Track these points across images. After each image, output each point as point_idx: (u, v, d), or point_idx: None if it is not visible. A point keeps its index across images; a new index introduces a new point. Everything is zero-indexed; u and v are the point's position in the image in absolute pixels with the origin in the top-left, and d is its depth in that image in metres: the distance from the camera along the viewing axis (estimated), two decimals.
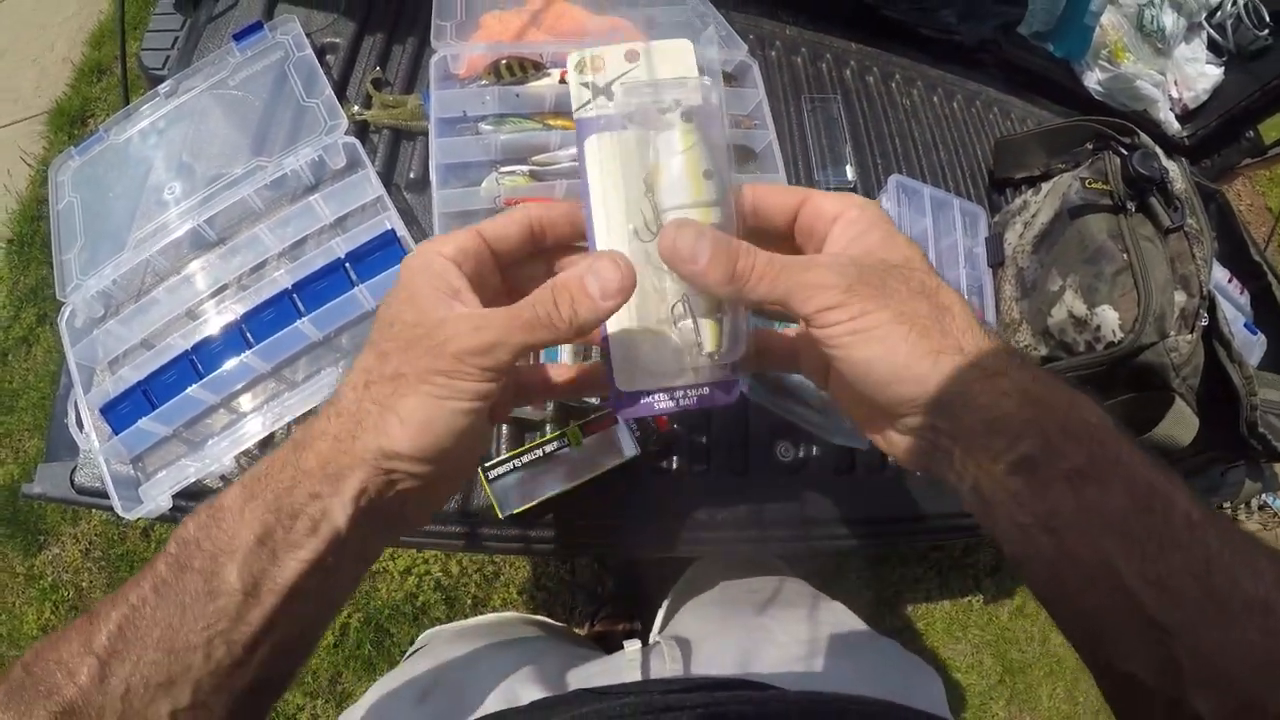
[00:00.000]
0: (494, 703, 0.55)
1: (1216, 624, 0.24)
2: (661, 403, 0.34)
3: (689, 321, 0.33)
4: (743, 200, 0.34)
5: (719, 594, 0.74)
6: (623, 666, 0.59)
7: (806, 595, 0.71)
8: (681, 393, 0.34)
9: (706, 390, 0.35)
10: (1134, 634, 0.26)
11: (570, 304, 0.29)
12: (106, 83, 1.74)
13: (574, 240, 0.35)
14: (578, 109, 0.33)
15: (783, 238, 0.35)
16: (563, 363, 0.43)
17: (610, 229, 0.33)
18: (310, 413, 0.61)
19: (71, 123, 1.69)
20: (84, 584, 1.37)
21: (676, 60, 0.33)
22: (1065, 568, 0.28)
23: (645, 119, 0.32)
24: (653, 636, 0.71)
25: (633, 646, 0.61)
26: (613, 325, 0.33)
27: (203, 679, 0.27)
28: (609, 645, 0.66)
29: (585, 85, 0.33)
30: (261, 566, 0.28)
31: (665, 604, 0.82)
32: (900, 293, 0.29)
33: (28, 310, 1.52)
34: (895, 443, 0.34)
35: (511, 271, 0.35)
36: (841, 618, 0.67)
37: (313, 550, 0.28)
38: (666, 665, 0.59)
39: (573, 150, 0.65)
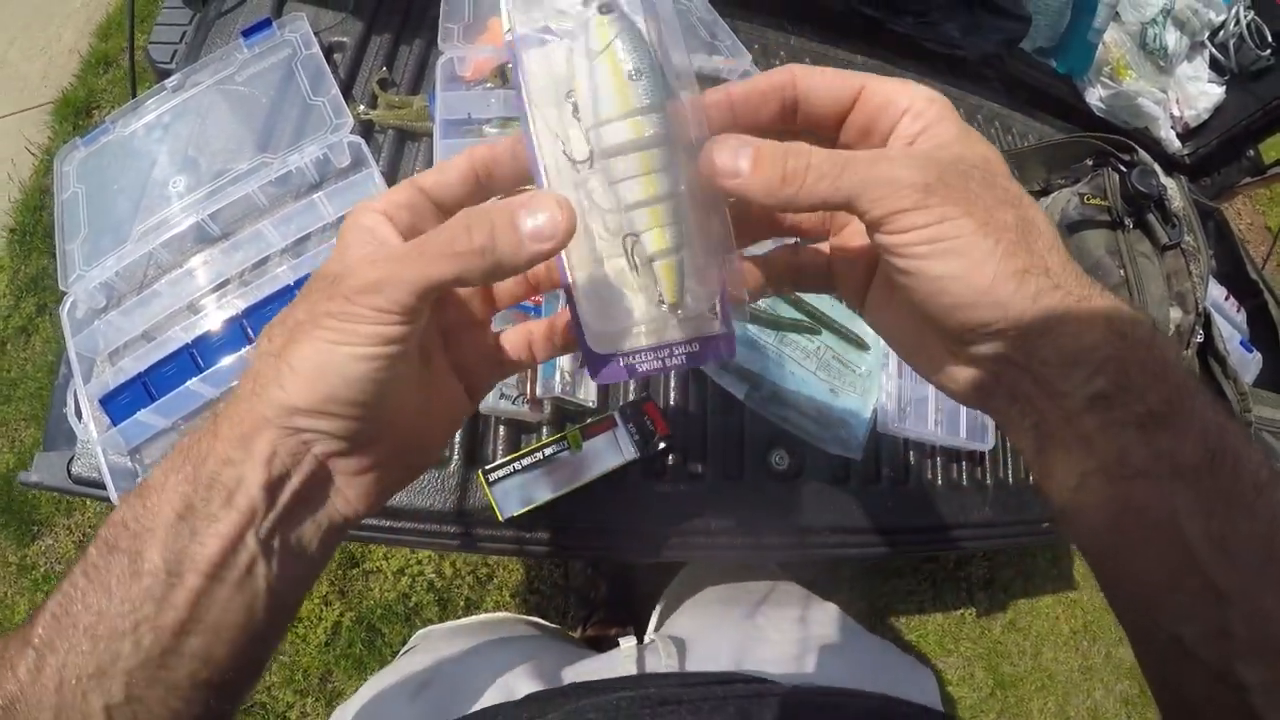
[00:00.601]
0: (489, 698, 0.55)
1: (1276, 592, 0.23)
2: (644, 364, 0.30)
3: (647, 269, 0.28)
4: (730, 97, 0.29)
5: (713, 595, 0.74)
6: (618, 663, 0.59)
7: (799, 596, 0.71)
8: (666, 352, 0.30)
9: (696, 346, 0.30)
10: (1189, 595, 0.24)
11: (488, 232, 0.25)
12: (113, 75, 1.74)
13: (521, 182, 0.30)
14: (507, 31, 0.28)
15: (825, 138, 0.30)
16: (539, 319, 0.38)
17: (553, 163, 0.28)
18: None
19: (77, 113, 1.69)
20: None
21: None
22: (1127, 520, 0.25)
23: (557, 26, 0.27)
24: (647, 636, 0.71)
25: (628, 643, 0.61)
26: (577, 276, 0.29)
27: (134, 670, 0.25)
28: (602, 649, 0.66)
29: (514, 7, 0.28)
30: (183, 544, 0.25)
31: (659, 604, 0.82)
32: (985, 198, 0.25)
33: (27, 300, 1.52)
34: (952, 375, 0.30)
35: None
36: (834, 617, 0.67)
37: (231, 524, 0.26)
38: (662, 662, 0.59)
39: None
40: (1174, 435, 0.24)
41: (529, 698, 0.48)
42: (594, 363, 0.30)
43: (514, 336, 0.35)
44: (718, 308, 0.29)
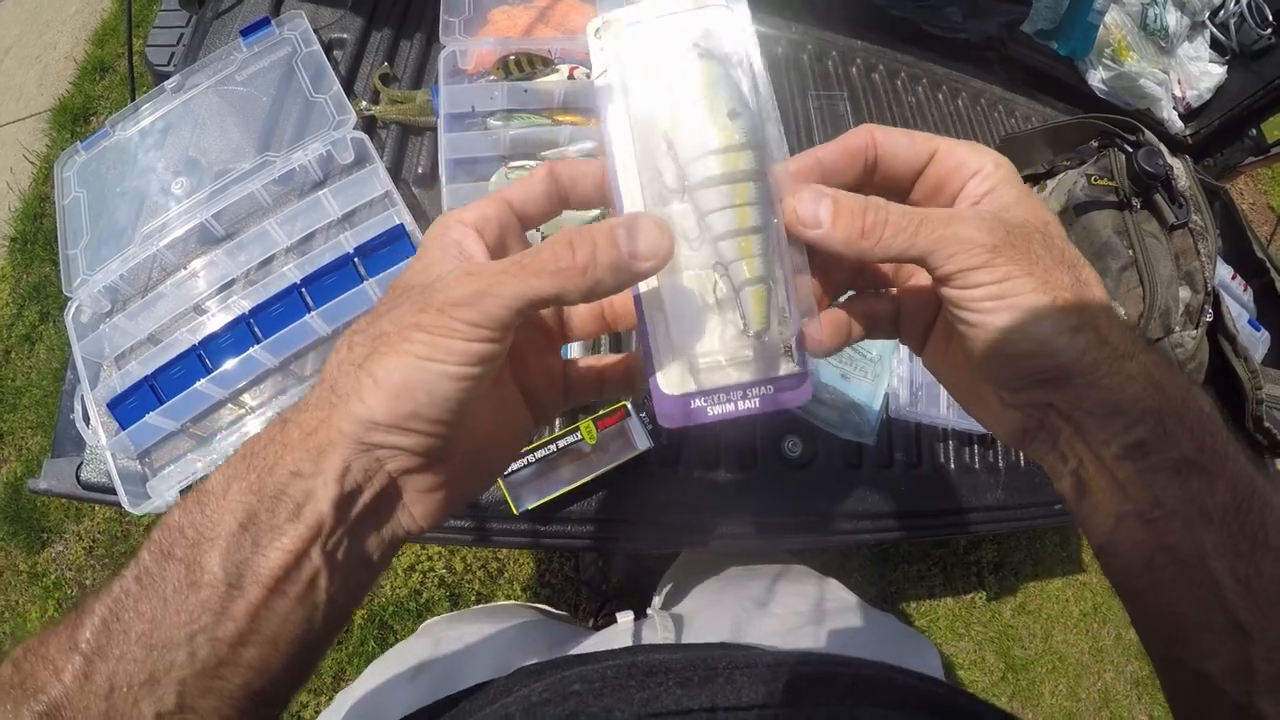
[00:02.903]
0: (485, 675, 0.54)
1: None
2: (716, 407, 0.29)
3: (734, 298, 0.28)
4: (819, 161, 0.30)
5: (723, 576, 0.74)
6: (615, 638, 0.59)
7: (805, 574, 0.71)
8: (740, 394, 0.29)
9: (770, 389, 0.29)
10: (1215, 632, 0.26)
11: (590, 250, 0.25)
12: (109, 80, 1.74)
13: (599, 204, 0.31)
14: (597, 76, 0.30)
15: (899, 193, 0.31)
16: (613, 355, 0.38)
17: (635, 199, 0.29)
18: None
19: (74, 120, 1.69)
20: (87, 582, 1.37)
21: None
22: (1159, 559, 0.27)
23: (658, 68, 0.28)
24: (649, 611, 0.71)
25: (625, 618, 0.61)
26: (649, 313, 0.29)
27: (188, 679, 0.24)
28: None
29: (605, 51, 0.30)
30: (244, 555, 0.25)
31: (662, 583, 0.82)
32: (1045, 259, 0.27)
33: (30, 308, 1.52)
34: (999, 417, 0.32)
35: None
36: (838, 593, 0.67)
37: (296, 538, 0.25)
38: (659, 634, 0.59)
39: (582, 145, 0.65)
40: (1205, 480, 0.26)
41: (519, 671, 0.47)
42: (663, 404, 0.29)
43: (583, 367, 0.35)
44: (794, 349, 0.30)
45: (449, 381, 0.25)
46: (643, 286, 0.29)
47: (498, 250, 0.28)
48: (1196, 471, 0.26)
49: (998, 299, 0.27)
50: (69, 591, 1.36)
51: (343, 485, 0.26)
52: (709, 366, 0.29)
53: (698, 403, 0.29)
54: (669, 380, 0.29)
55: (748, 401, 0.29)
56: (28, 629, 1.33)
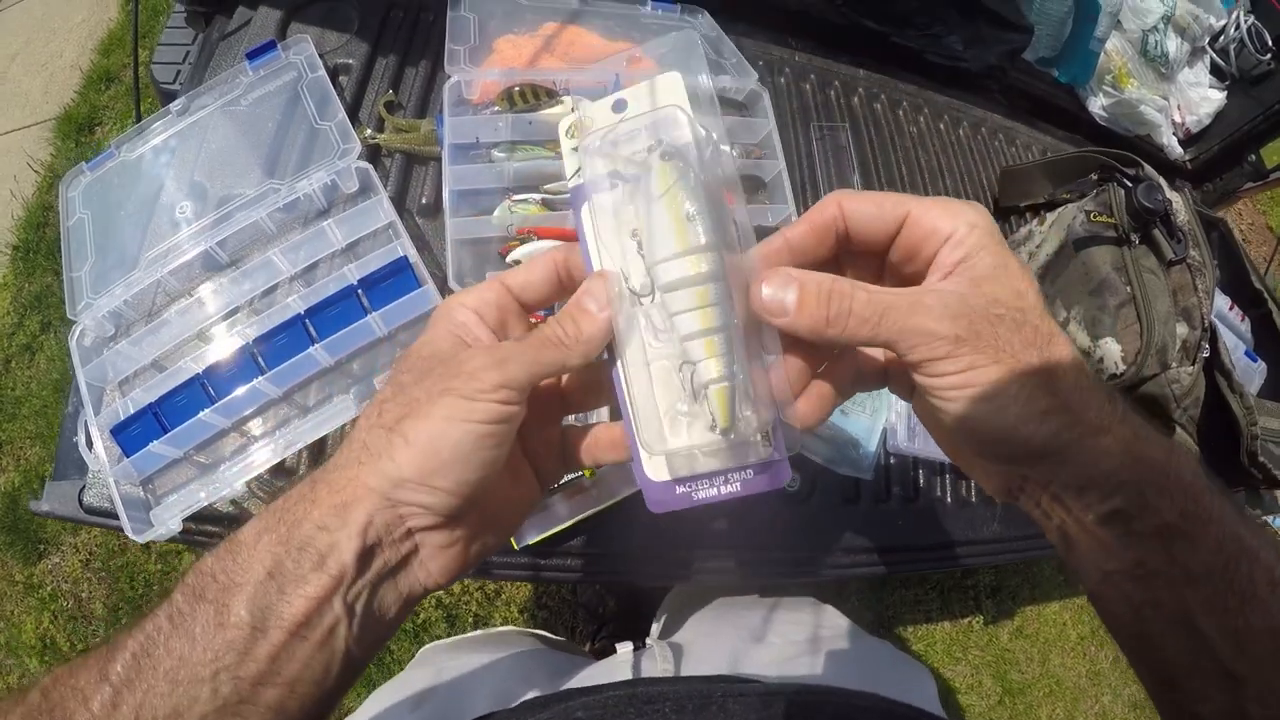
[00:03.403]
0: (487, 706, 0.55)
1: None
2: (701, 492, 0.30)
3: (702, 395, 0.29)
4: (788, 243, 0.31)
5: (720, 604, 0.74)
6: (615, 669, 0.60)
7: (801, 602, 0.71)
8: (721, 479, 0.30)
9: (749, 473, 0.30)
10: (1207, 679, 0.27)
11: (572, 321, 0.30)
12: (114, 91, 1.74)
13: None
14: (570, 178, 0.31)
15: (875, 257, 0.32)
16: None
17: (615, 295, 0.31)
18: (321, 442, 0.61)
19: (79, 130, 1.69)
20: (83, 594, 1.37)
21: (668, 97, 0.31)
22: (1147, 612, 0.28)
23: (624, 171, 0.30)
24: (647, 642, 0.71)
25: (625, 649, 0.62)
26: (634, 405, 0.30)
27: (209, 714, 0.26)
28: None
29: (577, 150, 0.31)
30: (269, 601, 0.27)
31: (660, 611, 0.82)
32: (1012, 344, 0.28)
33: (31, 318, 1.52)
34: (983, 478, 0.33)
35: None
36: (835, 621, 0.68)
37: (319, 586, 0.27)
38: (658, 666, 0.60)
39: None
40: (1189, 543, 0.27)
41: (524, 704, 0.48)
42: (651, 490, 0.30)
43: (577, 435, 0.37)
44: (771, 435, 0.30)
45: (474, 439, 0.28)
46: (625, 389, 0.30)
47: (499, 332, 0.31)
48: (1179, 536, 0.27)
49: (961, 389, 0.28)
50: (65, 604, 1.36)
51: (365, 538, 0.28)
52: (688, 455, 0.30)
53: (682, 488, 0.30)
54: (654, 467, 0.30)
55: (729, 486, 0.30)
56: (22, 640, 1.32)
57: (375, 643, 0.30)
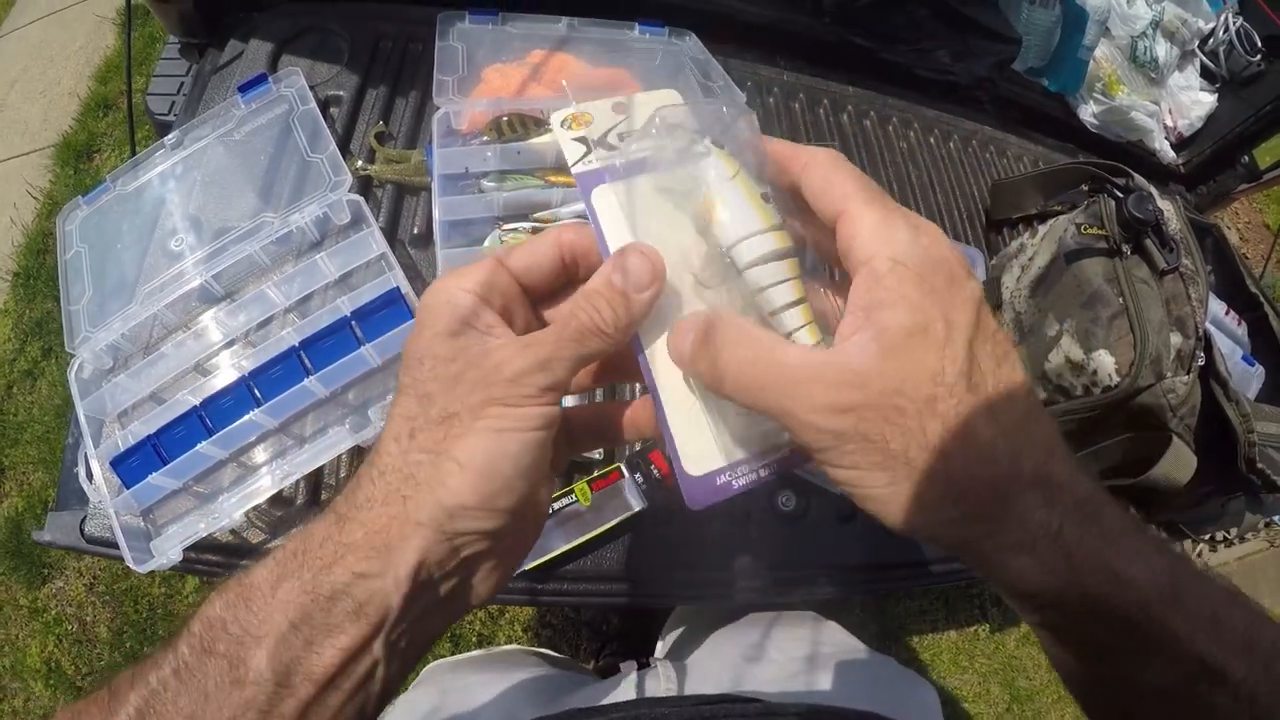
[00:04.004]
0: None
1: None
2: (740, 479, 0.29)
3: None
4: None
5: (718, 618, 0.74)
6: (619, 689, 0.60)
7: (802, 617, 0.71)
8: (760, 461, 0.29)
9: (787, 451, 0.29)
10: None
11: (604, 304, 0.27)
12: (112, 118, 1.76)
13: None
14: (574, 163, 0.31)
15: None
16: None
17: (671, 278, 0.29)
18: (319, 473, 0.62)
19: (77, 157, 1.71)
20: (88, 618, 1.37)
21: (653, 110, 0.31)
22: (1106, 707, 0.28)
23: (678, 157, 0.29)
24: (652, 660, 0.71)
25: (629, 668, 0.62)
26: (669, 398, 0.29)
27: None
28: None
29: (579, 140, 0.31)
30: (295, 654, 0.24)
31: (666, 629, 0.82)
32: (907, 449, 0.24)
33: (32, 344, 1.53)
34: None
35: (545, 304, 0.31)
36: (837, 636, 0.67)
37: (354, 636, 0.25)
38: (661, 685, 0.60)
39: (575, 207, 0.66)
40: (1134, 661, 0.25)
41: None
42: (692, 488, 0.29)
43: (621, 411, 0.34)
44: None
45: (531, 450, 0.26)
46: (658, 377, 0.29)
47: (505, 319, 0.28)
48: (1124, 654, 0.25)
49: (852, 487, 0.25)
50: (69, 628, 1.36)
51: (416, 580, 0.25)
52: (732, 442, 0.29)
53: (723, 478, 0.29)
54: (693, 462, 0.29)
55: (766, 469, 0.29)
56: (27, 664, 1.33)
57: (414, 663, 0.28)
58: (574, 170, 0.31)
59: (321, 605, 0.25)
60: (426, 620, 0.27)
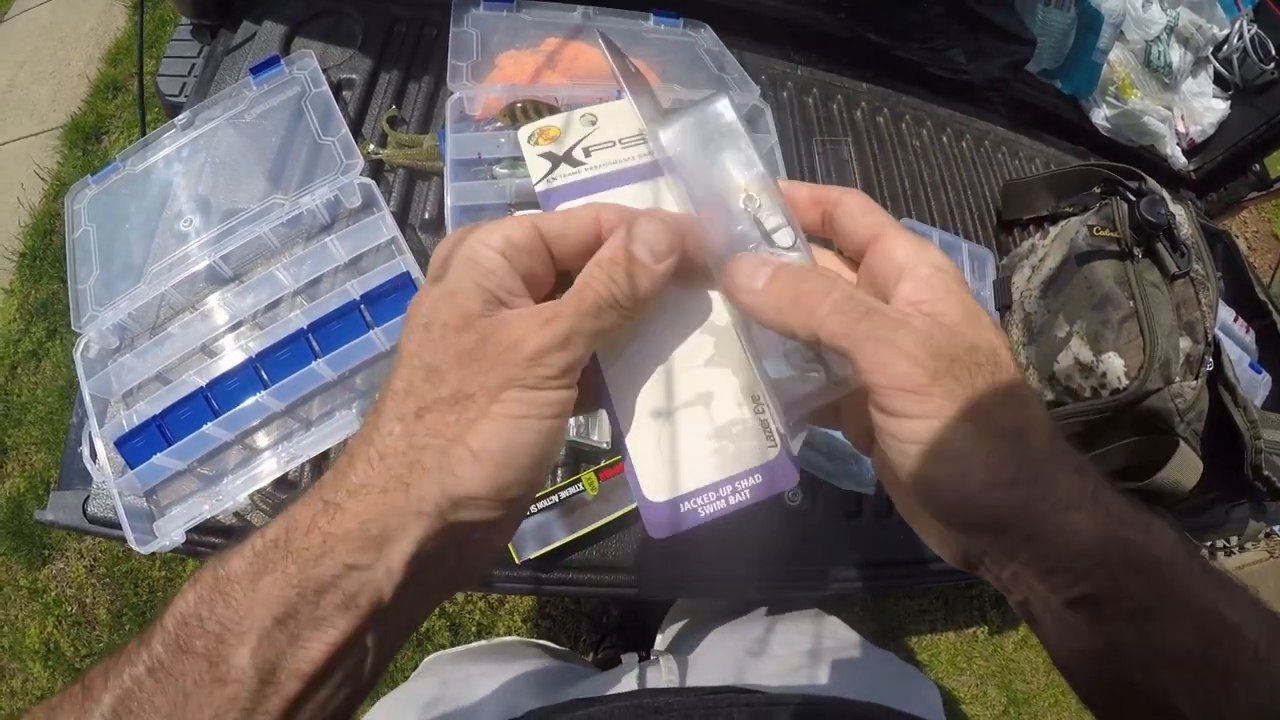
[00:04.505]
0: (494, 717, 0.55)
1: None
2: (707, 507, 0.27)
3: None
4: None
5: (719, 613, 0.74)
6: (621, 680, 0.60)
7: (806, 613, 0.71)
8: (729, 488, 0.27)
9: (759, 478, 0.28)
10: None
11: (622, 274, 0.25)
12: (121, 100, 1.76)
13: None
14: (541, 179, 0.30)
15: (851, 263, 0.29)
16: None
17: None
18: (324, 456, 0.61)
19: (86, 138, 1.70)
20: (88, 600, 1.37)
21: (622, 121, 0.31)
22: (1118, 690, 0.26)
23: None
24: (653, 653, 0.71)
25: (631, 660, 0.62)
26: (630, 421, 0.28)
27: None
28: None
29: (545, 156, 0.30)
30: (279, 650, 0.23)
31: (666, 622, 0.82)
32: (987, 399, 0.24)
33: (38, 324, 1.53)
34: (937, 543, 0.29)
35: (565, 279, 0.28)
36: (839, 631, 0.67)
37: (344, 630, 0.23)
38: (663, 678, 0.60)
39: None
40: (1163, 625, 0.25)
41: (530, 714, 0.48)
42: (652, 513, 0.27)
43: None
44: (775, 431, 0.28)
45: (549, 435, 0.25)
46: (618, 401, 0.28)
47: (528, 284, 0.26)
48: (1154, 618, 0.25)
49: (924, 442, 0.24)
50: (69, 609, 1.36)
51: (410, 570, 0.24)
52: (698, 467, 0.27)
53: (687, 505, 0.27)
54: (653, 486, 0.27)
55: (738, 496, 0.27)
56: (26, 645, 1.33)
57: (398, 648, 0.27)
58: (537, 189, 0.30)
59: (308, 599, 0.23)
60: (420, 603, 0.27)
